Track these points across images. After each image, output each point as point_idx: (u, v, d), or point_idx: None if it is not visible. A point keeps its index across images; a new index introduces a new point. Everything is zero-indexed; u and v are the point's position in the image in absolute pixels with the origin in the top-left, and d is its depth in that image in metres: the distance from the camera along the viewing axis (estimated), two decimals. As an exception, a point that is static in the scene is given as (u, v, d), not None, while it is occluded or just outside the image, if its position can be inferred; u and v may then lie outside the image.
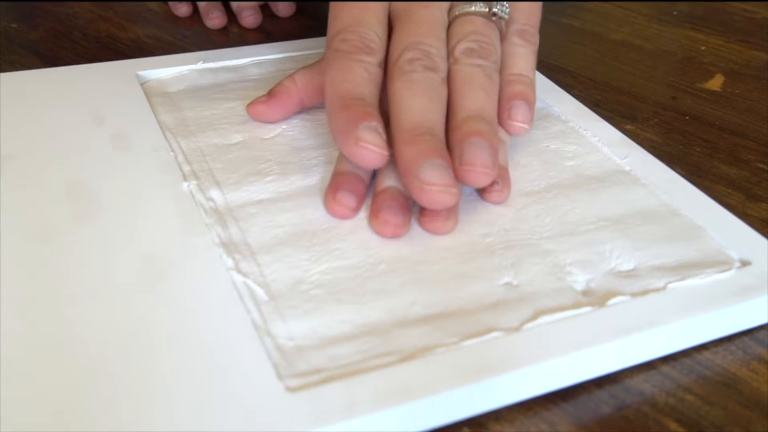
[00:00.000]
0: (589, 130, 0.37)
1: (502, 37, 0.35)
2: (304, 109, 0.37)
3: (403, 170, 0.29)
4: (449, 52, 0.33)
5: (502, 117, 0.33)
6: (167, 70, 0.40)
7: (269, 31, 0.50)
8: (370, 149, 0.30)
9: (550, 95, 0.40)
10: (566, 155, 0.35)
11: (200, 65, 0.41)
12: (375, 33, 0.33)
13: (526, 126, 0.34)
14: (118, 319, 0.25)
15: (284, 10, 0.52)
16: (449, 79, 0.33)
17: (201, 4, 0.51)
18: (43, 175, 0.32)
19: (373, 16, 0.34)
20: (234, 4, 0.51)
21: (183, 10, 0.51)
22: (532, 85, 0.35)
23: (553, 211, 0.32)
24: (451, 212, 0.30)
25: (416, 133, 0.30)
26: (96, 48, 0.46)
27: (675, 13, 0.55)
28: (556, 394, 0.26)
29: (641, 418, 0.25)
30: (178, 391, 0.23)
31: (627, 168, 0.34)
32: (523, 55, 0.35)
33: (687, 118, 0.42)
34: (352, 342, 0.25)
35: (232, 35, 0.49)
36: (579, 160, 0.35)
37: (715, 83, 0.46)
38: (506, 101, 0.34)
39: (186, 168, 0.33)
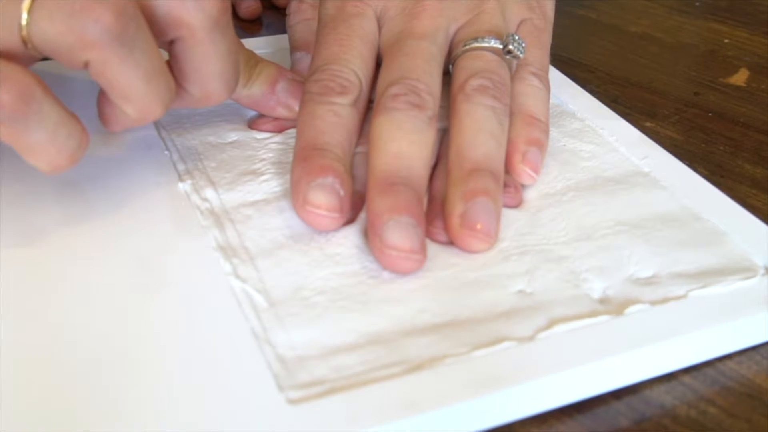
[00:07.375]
0: (607, 128, 0.37)
1: (511, 78, 0.34)
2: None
3: (369, 223, 0.28)
4: (457, 88, 0.32)
5: (513, 159, 0.32)
6: (161, 65, 0.40)
7: (268, 23, 0.51)
8: (316, 213, 0.29)
9: (566, 91, 0.40)
10: (583, 155, 0.35)
11: (196, 59, 0.41)
12: (352, 70, 0.32)
13: (535, 176, 0.32)
14: (112, 327, 0.26)
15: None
16: (454, 117, 0.32)
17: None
18: (33, 175, 0.32)
19: (353, 52, 0.33)
20: (232, -6, 0.51)
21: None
22: (548, 133, 0.34)
23: (569, 215, 0.32)
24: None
25: (390, 182, 0.29)
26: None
27: (697, 4, 0.55)
28: (571, 406, 0.26)
29: (661, 431, 0.25)
30: (173, 401, 0.23)
31: (646, 169, 0.35)
32: (541, 99, 0.34)
33: (710, 114, 0.42)
34: (356, 352, 0.25)
35: (230, 27, 0.49)
36: (596, 160, 0.35)
37: (740, 78, 0.46)
38: (522, 143, 0.32)
39: (181, 167, 0.33)
